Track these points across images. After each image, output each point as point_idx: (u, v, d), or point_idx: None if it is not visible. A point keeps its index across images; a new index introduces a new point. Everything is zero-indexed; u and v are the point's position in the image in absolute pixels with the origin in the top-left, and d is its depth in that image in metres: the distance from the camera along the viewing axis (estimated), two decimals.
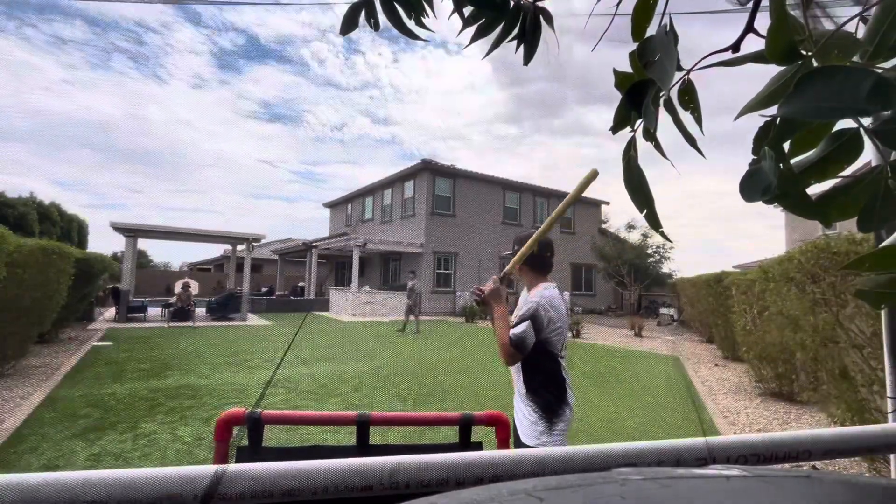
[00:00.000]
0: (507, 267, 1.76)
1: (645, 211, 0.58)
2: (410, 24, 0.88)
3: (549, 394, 1.78)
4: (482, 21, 0.82)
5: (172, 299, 13.89)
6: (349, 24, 0.88)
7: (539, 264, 1.99)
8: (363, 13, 0.88)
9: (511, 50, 0.86)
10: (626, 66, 0.63)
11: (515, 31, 0.82)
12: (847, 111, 0.38)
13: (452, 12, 0.85)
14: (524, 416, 1.80)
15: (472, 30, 0.87)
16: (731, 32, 0.57)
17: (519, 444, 1.76)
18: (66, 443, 3.63)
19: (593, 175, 1.40)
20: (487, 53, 0.84)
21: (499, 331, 1.76)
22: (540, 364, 1.79)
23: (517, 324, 1.78)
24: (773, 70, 0.51)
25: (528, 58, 0.82)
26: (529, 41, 0.81)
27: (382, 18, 0.89)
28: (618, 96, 0.62)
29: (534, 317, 1.77)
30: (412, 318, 12.27)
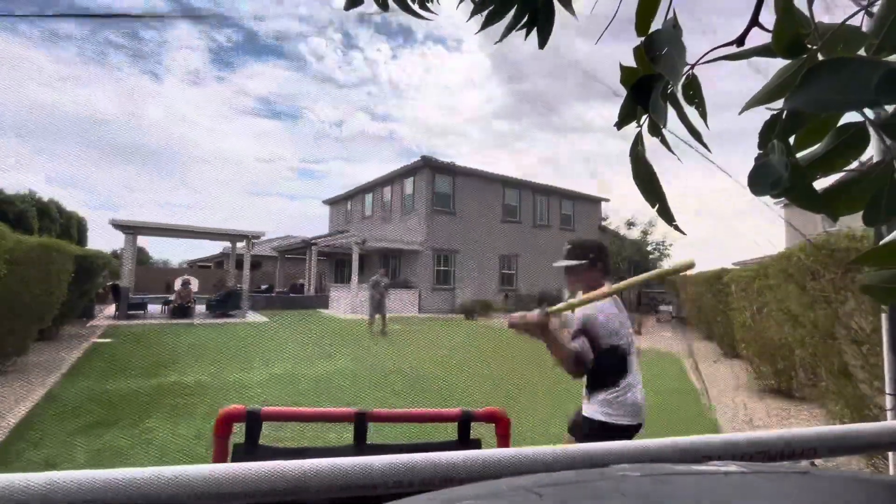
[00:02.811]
0: (562, 306, 1.54)
1: (657, 206, 0.57)
2: (415, 7, 0.88)
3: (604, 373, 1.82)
4: (492, 7, 0.80)
5: (172, 296, 13.90)
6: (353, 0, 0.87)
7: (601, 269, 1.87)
8: None
9: (511, 46, 0.85)
10: (626, 62, 0.62)
11: (525, 18, 0.80)
12: (856, 103, 0.38)
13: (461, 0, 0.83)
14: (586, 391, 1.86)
15: (471, 23, 0.86)
16: (735, 26, 0.57)
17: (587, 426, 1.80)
18: (67, 439, 3.64)
19: (689, 265, 1.39)
20: (501, 39, 0.82)
21: (555, 352, 1.71)
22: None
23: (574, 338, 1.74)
24: (773, 66, 0.51)
25: (542, 42, 0.80)
26: (543, 25, 0.79)
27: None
28: (617, 91, 0.61)
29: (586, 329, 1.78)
30: (378, 315, 10.79)
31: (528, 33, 0.81)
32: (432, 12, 0.91)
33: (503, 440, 1.15)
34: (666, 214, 0.58)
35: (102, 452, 3.40)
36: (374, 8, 0.89)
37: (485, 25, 0.81)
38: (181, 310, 13.17)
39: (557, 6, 0.79)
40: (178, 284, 14.22)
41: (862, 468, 3.29)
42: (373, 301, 10.76)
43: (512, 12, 0.79)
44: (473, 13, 0.81)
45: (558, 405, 5.11)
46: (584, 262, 1.88)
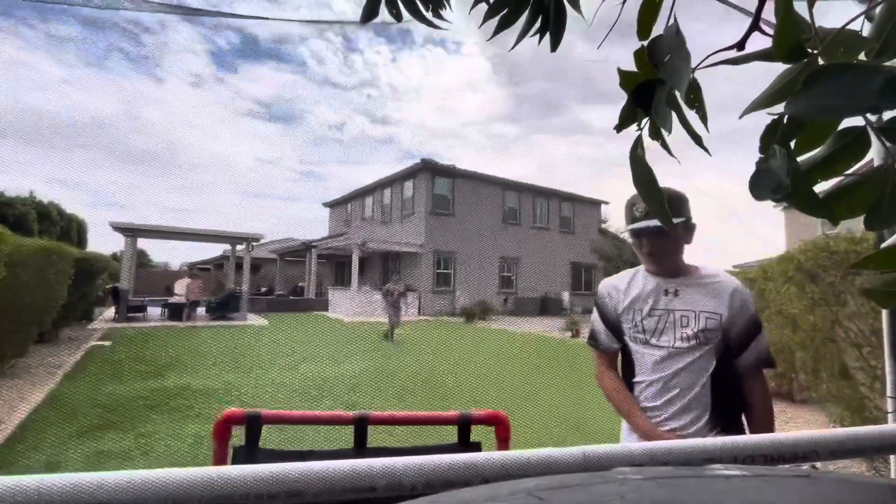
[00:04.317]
0: None
1: (655, 209, 0.58)
2: (428, 15, 0.90)
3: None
4: (504, 11, 0.80)
5: (181, 294, 13.83)
6: (370, 13, 0.89)
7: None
8: (384, 3, 0.89)
9: (511, 47, 0.85)
10: (623, 64, 0.63)
11: (538, 21, 0.81)
12: (858, 109, 0.38)
13: (476, 3, 0.84)
14: None
15: (476, 25, 0.87)
16: (735, 30, 0.57)
17: None
18: (66, 442, 3.63)
19: None
20: (514, 45, 0.83)
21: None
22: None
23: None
24: (771, 70, 0.51)
25: (555, 45, 0.80)
26: (555, 28, 0.80)
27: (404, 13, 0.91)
28: (616, 95, 0.61)
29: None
30: (395, 321, 10.48)
31: (541, 37, 0.81)
32: (445, 20, 0.92)
33: (503, 443, 1.15)
34: (664, 218, 0.58)
35: (101, 455, 3.39)
36: (389, 18, 0.91)
37: (497, 31, 0.82)
38: (181, 310, 13.13)
39: (568, 9, 0.79)
40: (182, 284, 14.18)
41: (863, 471, 3.28)
42: (386, 308, 10.67)
43: (524, 17, 0.80)
44: (485, 19, 0.82)
45: (559, 408, 5.10)
46: (681, 220, 1.36)
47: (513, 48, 0.84)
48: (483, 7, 0.84)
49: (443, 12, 0.93)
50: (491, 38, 0.83)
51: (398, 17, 0.90)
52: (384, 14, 0.92)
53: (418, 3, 0.89)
